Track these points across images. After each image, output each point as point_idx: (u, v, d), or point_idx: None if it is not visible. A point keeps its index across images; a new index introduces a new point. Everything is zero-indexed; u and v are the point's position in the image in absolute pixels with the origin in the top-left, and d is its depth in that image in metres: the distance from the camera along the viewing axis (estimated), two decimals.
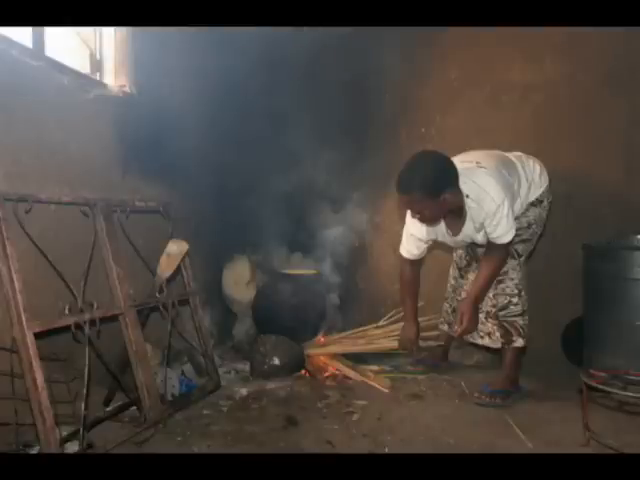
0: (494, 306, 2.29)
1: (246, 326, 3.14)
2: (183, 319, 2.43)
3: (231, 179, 3.24)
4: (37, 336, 1.63)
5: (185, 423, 2.03)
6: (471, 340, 2.39)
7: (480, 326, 2.29)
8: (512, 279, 2.27)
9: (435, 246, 2.54)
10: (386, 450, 1.82)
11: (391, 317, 2.93)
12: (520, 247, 2.28)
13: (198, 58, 2.93)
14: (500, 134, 2.83)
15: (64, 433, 1.70)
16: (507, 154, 2.32)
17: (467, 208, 2.15)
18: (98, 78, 2.42)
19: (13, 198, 1.70)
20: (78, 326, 1.74)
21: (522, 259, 2.30)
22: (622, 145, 2.68)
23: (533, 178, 2.27)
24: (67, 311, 1.73)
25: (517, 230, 2.16)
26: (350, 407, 2.21)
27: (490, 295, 2.29)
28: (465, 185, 2.10)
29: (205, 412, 2.15)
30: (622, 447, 1.73)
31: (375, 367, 2.68)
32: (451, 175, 2.07)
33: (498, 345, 2.30)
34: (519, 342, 2.27)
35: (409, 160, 2.09)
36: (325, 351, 2.79)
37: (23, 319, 1.60)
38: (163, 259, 2.20)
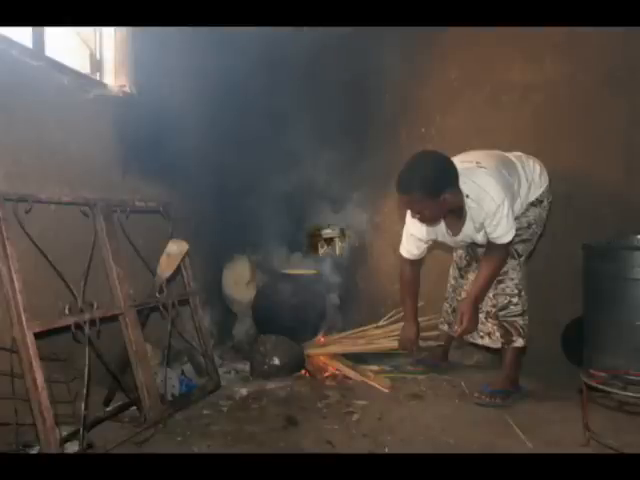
0: (494, 306, 2.29)
1: (246, 326, 3.14)
2: (183, 319, 2.43)
3: (231, 179, 3.24)
4: (37, 336, 1.63)
5: (185, 423, 2.03)
6: (471, 340, 2.39)
7: (480, 326, 2.29)
8: (512, 279, 2.27)
9: (435, 246, 2.54)
10: (386, 450, 1.82)
11: (391, 317, 2.92)
12: (520, 247, 2.28)
13: (198, 58, 2.93)
14: (500, 134, 2.83)
15: (64, 433, 1.70)
16: (507, 154, 2.32)
17: (467, 208, 2.15)
18: (98, 78, 2.42)
19: (13, 198, 1.70)
20: (78, 326, 1.74)
21: (522, 259, 2.30)
22: (622, 145, 2.68)
23: (533, 178, 2.27)
24: (67, 311, 1.73)
25: (517, 230, 2.16)
26: (350, 407, 2.21)
27: (490, 295, 2.29)
28: (465, 185, 2.10)
29: (205, 412, 2.15)
30: (622, 447, 1.72)
31: (375, 367, 2.68)
32: (451, 175, 2.07)
33: (498, 345, 2.30)
34: (519, 342, 2.27)
35: (409, 160, 2.09)
36: (325, 351, 2.79)
37: (23, 319, 1.60)
38: (163, 259, 2.20)
